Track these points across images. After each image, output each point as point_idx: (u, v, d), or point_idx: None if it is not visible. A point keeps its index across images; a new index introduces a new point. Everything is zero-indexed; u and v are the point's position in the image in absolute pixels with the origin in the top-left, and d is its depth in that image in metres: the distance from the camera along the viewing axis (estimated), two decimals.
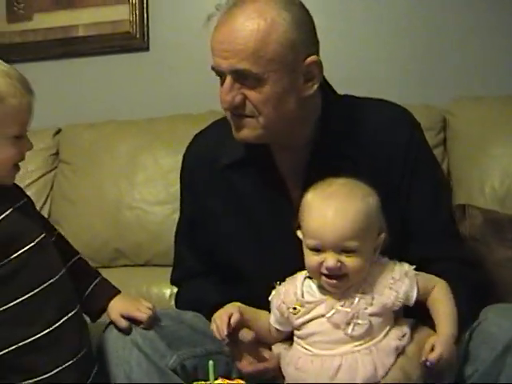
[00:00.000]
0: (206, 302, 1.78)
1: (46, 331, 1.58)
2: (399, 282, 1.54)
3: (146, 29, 3.05)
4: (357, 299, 1.52)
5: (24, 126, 1.61)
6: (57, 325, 1.59)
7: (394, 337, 1.54)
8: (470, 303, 1.61)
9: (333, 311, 1.52)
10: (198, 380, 1.49)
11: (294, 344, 1.62)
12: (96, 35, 3.10)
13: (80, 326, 1.68)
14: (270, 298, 1.65)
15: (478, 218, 2.18)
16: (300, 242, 1.60)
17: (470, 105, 2.59)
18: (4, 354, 1.55)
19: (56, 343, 1.59)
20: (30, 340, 1.56)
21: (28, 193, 1.78)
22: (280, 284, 1.65)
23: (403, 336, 1.54)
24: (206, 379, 1.29)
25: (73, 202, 2.75)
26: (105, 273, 2.59)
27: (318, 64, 1.65)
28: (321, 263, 1.51)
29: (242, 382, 1.20)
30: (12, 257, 1.56)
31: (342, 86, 1.82)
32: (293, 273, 1.65)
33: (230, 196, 1.82)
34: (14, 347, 1.55)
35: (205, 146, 1.89)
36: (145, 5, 3.03)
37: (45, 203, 2.85)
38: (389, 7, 2.83)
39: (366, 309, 1.52)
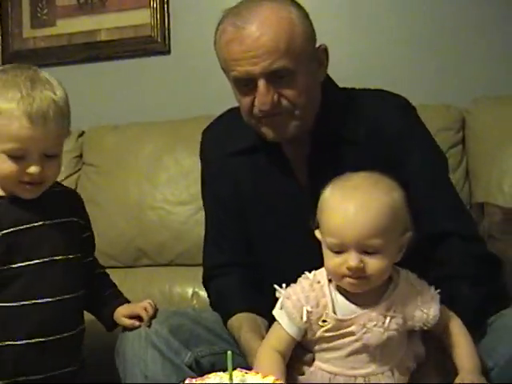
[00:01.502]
0: (228, 311, 1.80)
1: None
2: (427, 305, 1.46)
3: (167, 32, 3.09)
4: (388, 319, 1.43)
5: (23, 148, 1.60)
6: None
7: (411, 357, 1.49)
8: (475, 284, 1.62)
9: (364, 330, 1.42)
10: None
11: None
12: (118, 39, 3.15)
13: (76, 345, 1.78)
14: (279, 303, 1.51)
15: (496, 215, 2.17)
16: (313, 233, 1.51)
17: (488, 104, 2.59)
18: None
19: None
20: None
21: None
22: (285, 288, 1.49)
23: (417, 355, 1.50)
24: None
25: (96, 203, 2.77)
26: (128, 273, 2.66)
27: (327, 51, 1.75)
28: (342, 264, 1.39)
29: (259, 373, 1.21)
30: (7, 267, 1.63)
31: (358, 86, 1.84)
32: (306, 264, 1.51)
33: (240, 183, 1.85)
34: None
35: (218, 133, 1.95)
36: (166, 9, 3.08)
37: None
38: (408, 6, 2.85)
39: (396, 330, 1.43)
